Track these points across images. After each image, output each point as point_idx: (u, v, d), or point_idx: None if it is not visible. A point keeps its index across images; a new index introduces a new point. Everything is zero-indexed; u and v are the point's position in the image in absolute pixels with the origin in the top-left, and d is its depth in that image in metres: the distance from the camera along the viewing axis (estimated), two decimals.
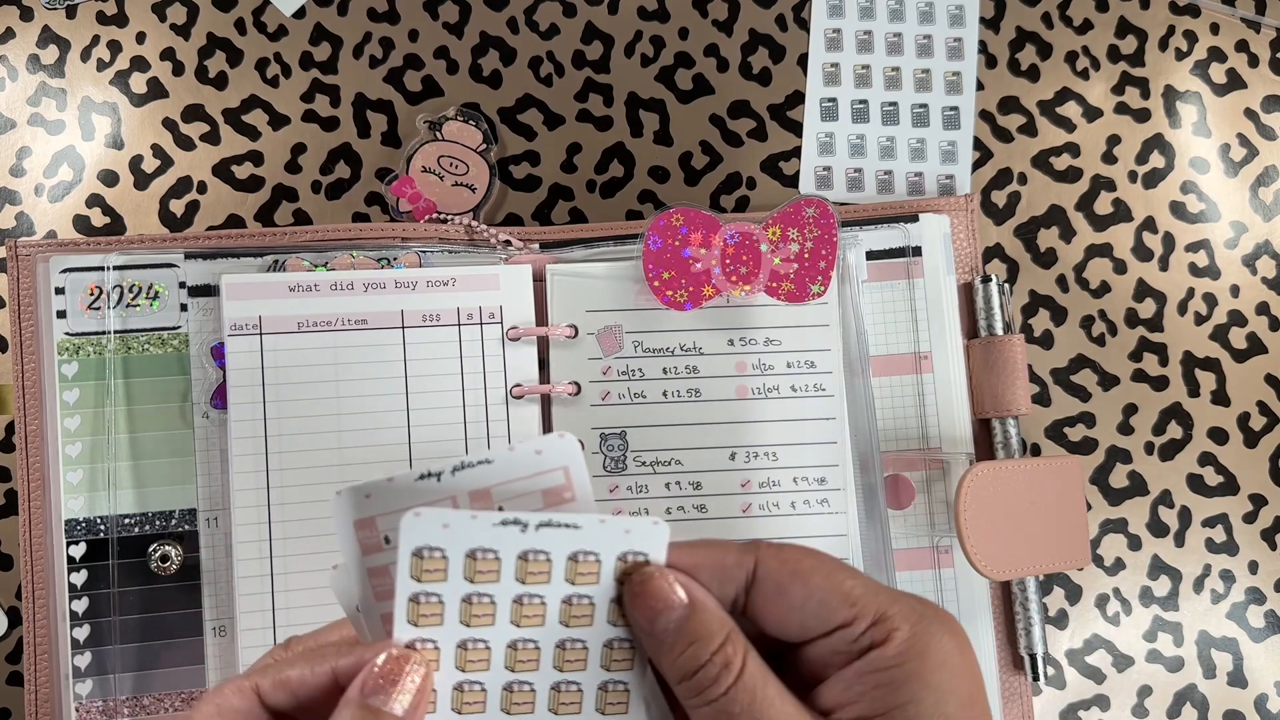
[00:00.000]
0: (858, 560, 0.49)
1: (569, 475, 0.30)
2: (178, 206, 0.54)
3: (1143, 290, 0.56)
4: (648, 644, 0.30)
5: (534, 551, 0.29)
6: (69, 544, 0.48)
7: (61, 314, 0.49)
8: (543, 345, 0.51)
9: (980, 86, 0.57)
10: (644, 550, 0.29)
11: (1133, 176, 0.57)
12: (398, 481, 0.29)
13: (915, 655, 0.29)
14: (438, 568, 0.28)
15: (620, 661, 0.31)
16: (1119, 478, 0.55)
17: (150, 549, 0.49)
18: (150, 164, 0.54)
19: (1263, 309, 0.56)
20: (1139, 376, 0.55)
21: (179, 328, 0.50)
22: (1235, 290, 0.56)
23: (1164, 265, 0.56)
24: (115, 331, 0.49)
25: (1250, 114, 0.57)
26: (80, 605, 0.48)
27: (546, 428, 0.50)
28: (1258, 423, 0.55)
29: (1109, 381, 0.55)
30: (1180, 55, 0.57)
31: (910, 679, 0.28)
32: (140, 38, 0.55)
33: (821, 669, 0.30)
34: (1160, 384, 0.55)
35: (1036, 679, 0.52)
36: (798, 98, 0.56)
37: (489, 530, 0.28)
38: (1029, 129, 0.57)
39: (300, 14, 0.56)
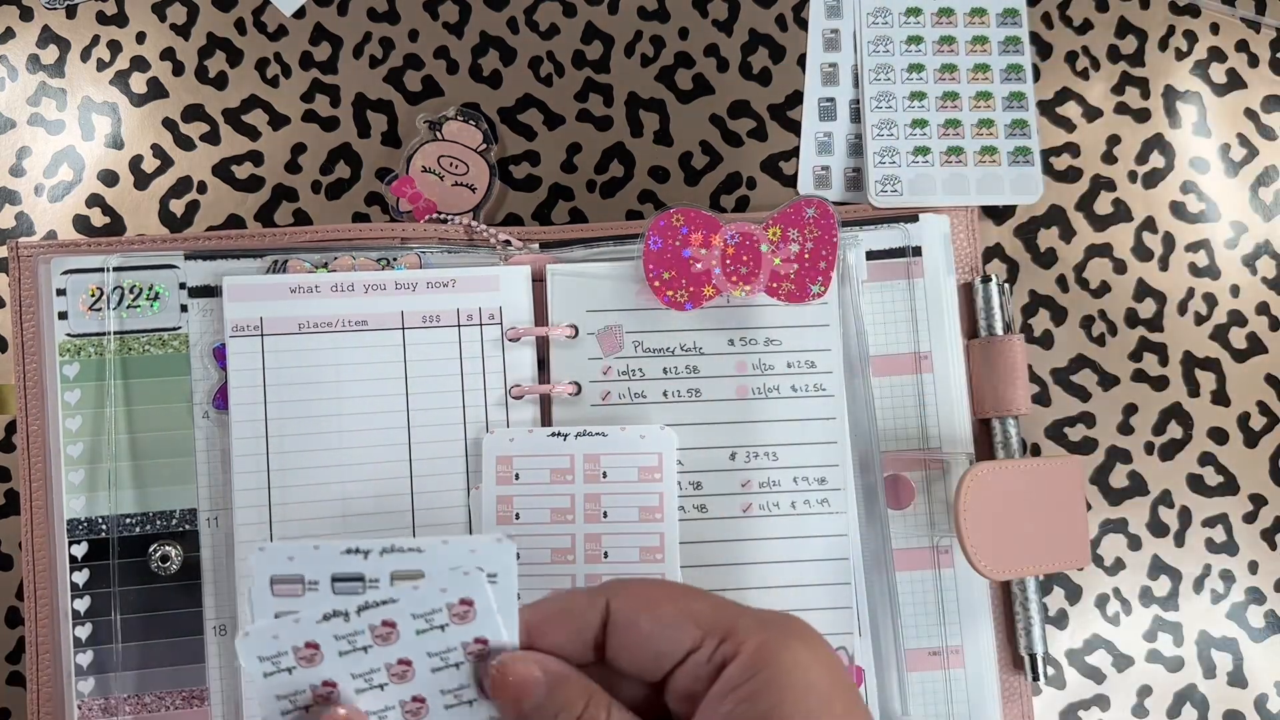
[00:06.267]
0: (857, 560, 0.50)
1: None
2: (178, 206, 0.54)
3: (1143, 290, 0.56)
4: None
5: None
6: (70, 543, 0.48)
7: (63, 315, 0.49)
8: (543, 345, 0.51)
9: None
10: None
11: (1133, 176, 0.57)
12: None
13: (765, 663, 0.29)
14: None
15: None
16: (1119, 478, 0.55)
17: (151, 549, 0.49)
18: (150, 164, 0.54)
19: (1263, 309, 0.56)
20: (1139, 376, 0.55)
21: (179, 328, 0.50)
22: (1235, 290, 0.56)
23: (1164, 265, 0.56)
24: (115, 332, 0.49)
25: (1250, 114, 0.57)
26: (82, 604, 0.48)
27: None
28: (1258, 423, 0.55)
29: (1109, 381, 0.55)
30: (1180, 55, 0.57)
31: (766, 687, 0.28)
32: (140, 38, 0.55)
33: (690, 705, 0.30)
34: (1160, 384, 0.55)
35: (1036, 679, 0.52)
36: (798, 98, 0.56)
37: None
38: None
39: (300, 14, 0.56)
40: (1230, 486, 0.55)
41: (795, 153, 0.56)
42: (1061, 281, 0.56)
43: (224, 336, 0.49)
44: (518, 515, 0.48)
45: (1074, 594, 0.54)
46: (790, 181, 0.56)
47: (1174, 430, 0.55)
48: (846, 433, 0.50)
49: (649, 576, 0.32)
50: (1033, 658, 0.51)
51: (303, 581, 0.29)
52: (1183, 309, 0.56)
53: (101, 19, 0.55)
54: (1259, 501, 0.55)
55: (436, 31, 0.56)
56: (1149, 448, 0.55)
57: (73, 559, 0.48)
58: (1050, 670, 0.53)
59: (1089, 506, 0.54)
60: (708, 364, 0.51)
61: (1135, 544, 0.54)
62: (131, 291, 0.50)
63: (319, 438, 0.49)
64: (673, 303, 0.50)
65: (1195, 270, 0.56)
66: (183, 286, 0.50)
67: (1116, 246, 0.56)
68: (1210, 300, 0.56)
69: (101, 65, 0.55)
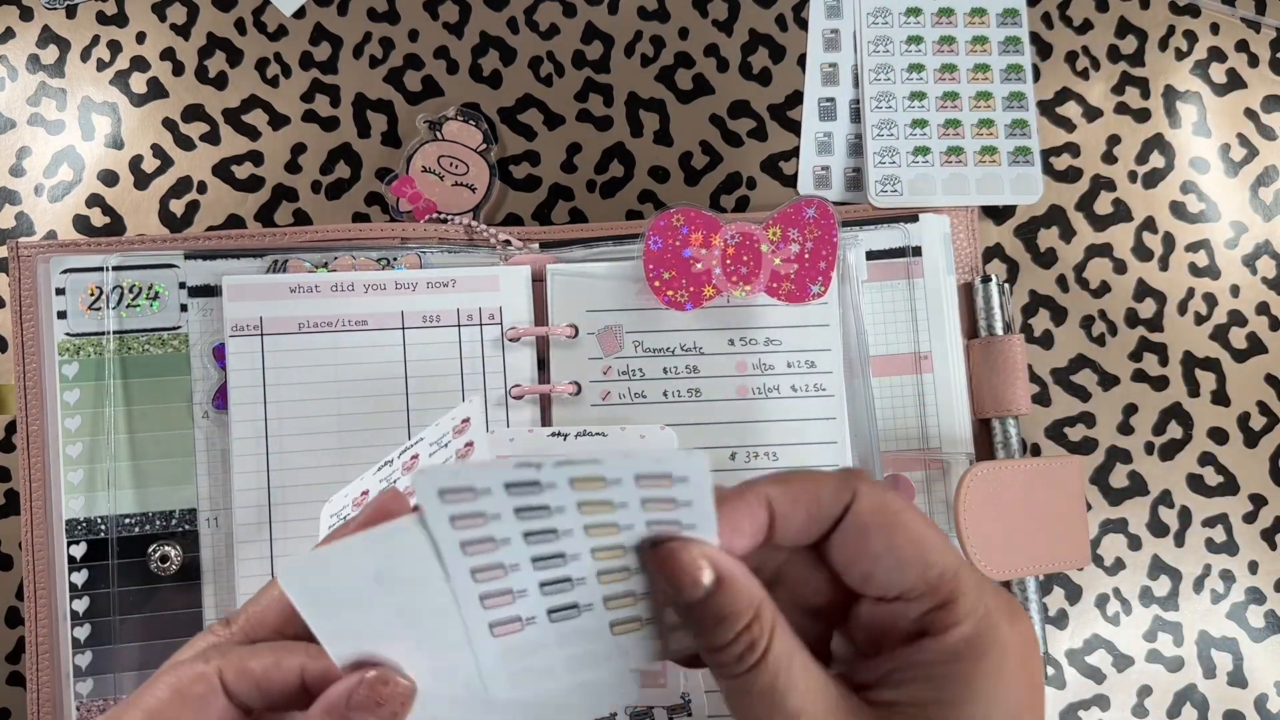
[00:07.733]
0: None
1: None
2: (178, 206, 0.54)
3: (1143, 290, 0.56)
4: (679, 613, 0.29)
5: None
6: (70, 544, 0.48)
7: (62, 314, 0.49)
8: (543, 345, 0.51)
9: None
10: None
11: (1133, 176, 0.57)
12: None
13: (970, 656, 0.27)
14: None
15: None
16: (1119, 478, 0.55)
17: (150, 549, 0.49)
18: (150, 164, 0.54)
19: (1263, 309, 0.56)
20: (1139, 376, 0.55)
21: (179, 328, 0.50)
22: (1235, 290, 0.56)
23: (1164, 265, 0.56)
24: (115, 332, 0.49)
25: (1250, 114, 0.57)
26: (81, 605, 0.48)
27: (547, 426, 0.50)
28: (1258, 423, 0.55)
29: (1109, 381, 0.55)
30: (1180, 55, 0.57)
31: (956, 680, 0.27)
32: (140, 38, 0.55)
33: (877, 637, 0.29)
34: (1160, 384, 0.55)
35: None
36: (798, 98, 0.56)
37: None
38: None
39: (300, 14, 0.56)
40: (1230, 486, 0.55)
41: (795, 153, 0.56)
42: (1061, 281, 0.56)
43: (224, 336, 0.49)
44: None
45: (1074, 594, 0.54)
46: (790, 181, 0.56)
47: (1174, 430, 0.55)
48: (846, 433, 0.50)
49: (897, 493, 0.29)
50: None
51: (473, 489, 0.25)
52: (1183, 309, 0.56)
53: (101, 19, 0.55)
54: (1259, 501, 0.55)
55: (436, 31, 0.56)
56: (1149, 448, 0.55)
57: (71, 559, 0.48)
58: (1050, 670, 0.53)
59: (1089, 506, 0.54)
60: (708, 364, 0.51)
61: (1135, 544, 0.54)
62: (131, 291, 0.50)
63: (319, 438, 0.49)
64: (673, 303, 0.50)
65: (1195, 270, 0.56)
66: (182, 286, 0.50)
67: (1116, 246, 0.56)
68: (1210, 300, 0.56)
69: (101, 65, 0.55)
